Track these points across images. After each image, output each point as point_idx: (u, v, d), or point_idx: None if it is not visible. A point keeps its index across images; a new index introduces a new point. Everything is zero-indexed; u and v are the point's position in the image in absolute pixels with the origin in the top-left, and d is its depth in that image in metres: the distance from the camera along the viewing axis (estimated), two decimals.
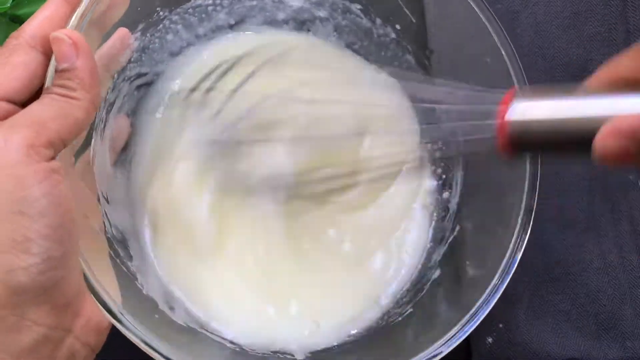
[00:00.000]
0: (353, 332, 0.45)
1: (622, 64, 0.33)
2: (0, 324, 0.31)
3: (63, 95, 0.34)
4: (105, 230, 0.41)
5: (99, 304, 0.35)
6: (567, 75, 0.50)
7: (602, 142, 0.31)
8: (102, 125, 0.42)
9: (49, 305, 0.32)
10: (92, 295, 0.35)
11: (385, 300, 0.46)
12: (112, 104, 0.43)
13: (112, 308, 0.35)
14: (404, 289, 0.47)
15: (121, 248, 0.42)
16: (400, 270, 0.47)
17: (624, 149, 0.30)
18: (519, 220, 0.41)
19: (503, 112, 0.34)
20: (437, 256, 0.47)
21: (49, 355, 0.32)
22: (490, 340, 0.49)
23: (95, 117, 0.41)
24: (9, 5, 0.45)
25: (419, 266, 0.47)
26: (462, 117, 0.37)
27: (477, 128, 0.36)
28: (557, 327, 0.49)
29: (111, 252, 0.40)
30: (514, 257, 0.40)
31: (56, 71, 0.34)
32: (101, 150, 0.42)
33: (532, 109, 0.34)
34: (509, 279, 0.40)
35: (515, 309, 0.49)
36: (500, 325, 0.49)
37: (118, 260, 0.40)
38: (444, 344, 0.40)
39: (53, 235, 0.31)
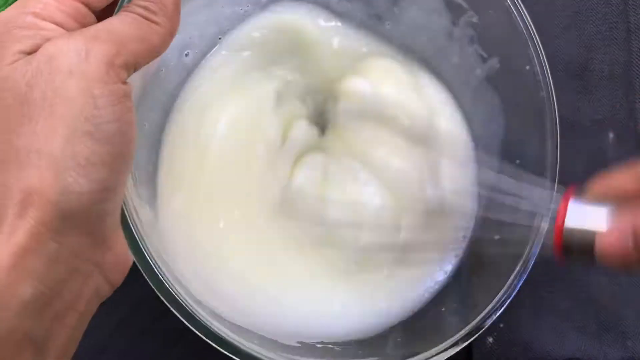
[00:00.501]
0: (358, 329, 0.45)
1: (616, 180, 0.33)
2: (42, 249, 0.28)
3: (144, 17, 0.31)
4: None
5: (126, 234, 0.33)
6: (568, 75, 0.50)
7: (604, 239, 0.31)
8: None
9: (90, 238, 0.30)
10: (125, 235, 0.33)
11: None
12: None
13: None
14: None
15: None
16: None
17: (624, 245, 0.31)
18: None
19: (560, 216, 0.33)
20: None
21: (79, 289, 0.30)
22: (490, 340, 0.49)
23: None
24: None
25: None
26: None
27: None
28: (557, 327, 0.49)
29: None
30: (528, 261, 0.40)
31: None
32: None
33: (588, 217, 0.33)
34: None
35: (515, 308, 0.49)
36: (501, 325, 0.49)
37: None
38: (450, 346, 0.39)
39: (113, 163, 0.29)
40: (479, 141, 0.47)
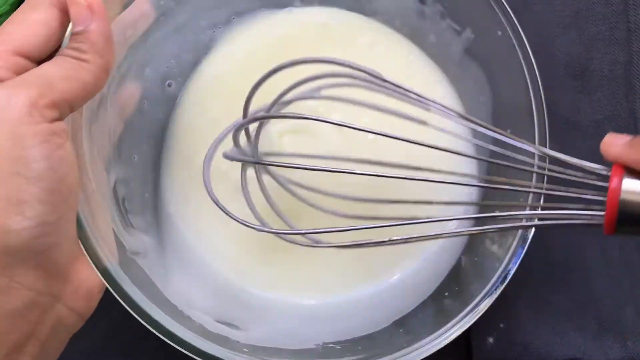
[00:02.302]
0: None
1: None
2: None
3: (74, 57, 0.33)
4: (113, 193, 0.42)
5: (93, 266, 0.35)
6: (568, 75, 0.50)
7: None
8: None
9: (40, 271, 0.32)
10: (88, 259, 0.35)
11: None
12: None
13: (109, 267, 0.36)
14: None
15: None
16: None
17: None
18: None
19: (614, 190, 0.32)
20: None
21: (37, 320, 0.32)
22: (491, 340, 0.49)
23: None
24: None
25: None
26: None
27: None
28: (558, 327, 0.49)
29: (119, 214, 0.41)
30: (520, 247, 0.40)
31: (72, 34, 0.34)
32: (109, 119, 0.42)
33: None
34: (515, 269, 0.40)
35: (516, 308, 0.49)
36: (501, 325, 0.49)
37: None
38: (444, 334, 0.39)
39: (49, 199, 0.31)
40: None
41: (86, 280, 0.34)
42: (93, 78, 0.33)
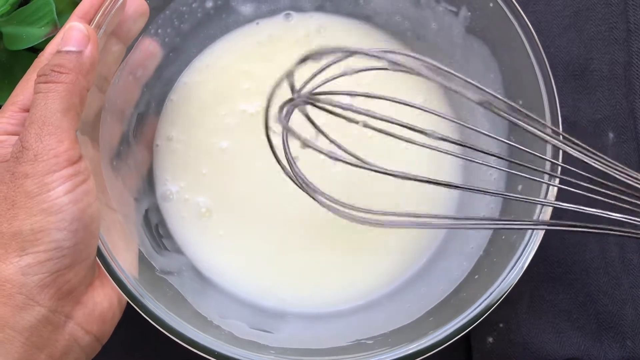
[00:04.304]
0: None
1: None
2: (9, 301, 0.34)
3: (56, 82, 0.36)
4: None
5: (116, 285, 0.38)
6: (568, 75, 0.50)
7: None
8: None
9: (53, 289, 0.35)
10: (110, 280, 0.38)
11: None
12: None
13: (129, 287, 0.38)
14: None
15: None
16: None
17: None
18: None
19: None
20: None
21: (49, 336, 0.35)
22: (490, 339, 0.49)
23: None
24: None
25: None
26: None
27: None
28: (557, 327, 0.49)
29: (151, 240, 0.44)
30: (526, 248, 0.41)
31: (59, 51, 0.37)
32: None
33: None
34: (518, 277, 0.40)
35: (515, 308, 0.49)
36: (501, 325, 0.49)
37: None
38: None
39: (67, 227, 0.34)
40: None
41: (100, 304, 0.37)
42: (78, 98, 0.36)
